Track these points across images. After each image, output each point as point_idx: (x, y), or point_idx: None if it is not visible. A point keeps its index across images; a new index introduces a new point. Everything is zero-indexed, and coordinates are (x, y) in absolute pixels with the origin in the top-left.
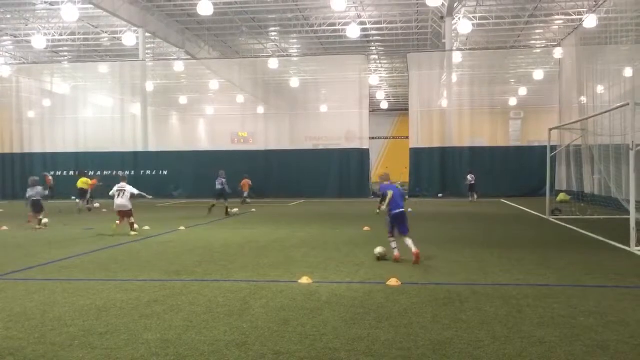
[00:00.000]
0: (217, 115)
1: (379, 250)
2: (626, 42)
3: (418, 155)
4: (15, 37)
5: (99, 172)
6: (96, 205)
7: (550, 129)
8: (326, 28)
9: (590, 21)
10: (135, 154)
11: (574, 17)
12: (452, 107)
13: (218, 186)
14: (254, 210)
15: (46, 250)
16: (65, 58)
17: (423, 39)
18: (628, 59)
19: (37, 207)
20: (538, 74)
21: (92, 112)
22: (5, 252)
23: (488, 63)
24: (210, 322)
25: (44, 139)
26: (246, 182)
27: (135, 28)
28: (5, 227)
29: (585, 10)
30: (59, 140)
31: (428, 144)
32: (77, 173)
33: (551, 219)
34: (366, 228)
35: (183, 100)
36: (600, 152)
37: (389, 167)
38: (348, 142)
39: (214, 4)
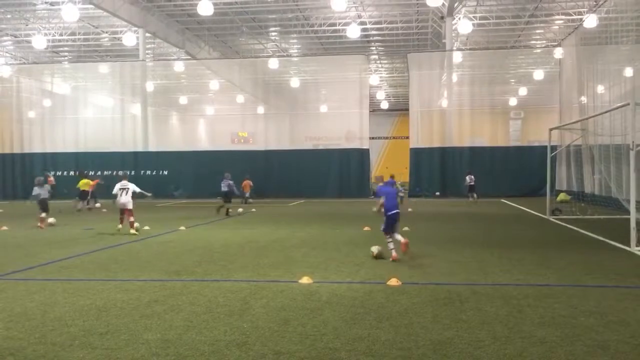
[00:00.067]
0: (217, 115)
1: (375, 248)
2: (626, 42)
3: (418, 155)
4: (15, 37)
5: (99, 172)
6: (97, 205)
7: (551, 129)
8: (326, 28)
9: (590, 21)
10: (136, 154)
11: (574, 17)
12: (452, 107)
13: (224, 188)
14: (254, 210)
15: (46, 250)
16: (66, 58)
17: (423, 39)
18: (628, 59)
19: (44, 206)
20: (538, 74)
21: (93, 112)
22: (6, 252)
23: (488, 63)
24: (210, 322)
25: (44, 139)
26: (247, 183)
27: (136, 28)
28: (5, 227)
29: (585, 10)
30: (59, 140)
31: (428, 144)
32: (77, 173)
33: (551, 219)
34: (366, 228)
35: (183, 100)
36: (600, 152)
37: (389, 167)
38: (348, 142)
39: (214, 4)
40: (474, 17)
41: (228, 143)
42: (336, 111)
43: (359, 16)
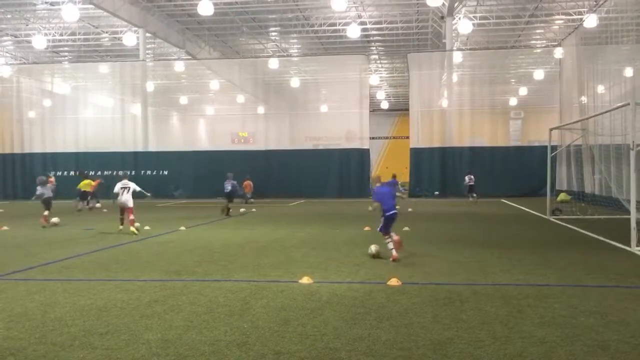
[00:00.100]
0: (217, 115)
1: (373, 247)
2: (627, 42)
3: (418, 155)
4: (15, 37)
5: (99, 172)
6: (97, 205)
7: (551, 129)
8: (326, 28)
9: (590, 21)
10: (136, 154)
11: (575, 17)
12: (453, 107)
13: (228, 188)
14: (254, 210)
15: (47, 251)
16: (66, 58)
17: (423, 38)
18: (628, 59)
19: (48, 205)
20: (538, 74)
21: (93, 112)
22: (6, 252)
23: (488, 63)
24: (210, 322)
25: (44, 139)
26: (248, 183)
27: (136, 28)
28: (5, 227)
29: (585, 10)
30: (59, 140)
31: (428, 143)
32: (78, 173)
33: (551, 219)
34: (366, 228)
35: (183, 100)
36: (600, 152)
37: (389, 167)
38: (348, 142)
39: (215, 4)
40: (474, 17)
41: (228, 143)
42: (336, 111)
43: (359, 16)
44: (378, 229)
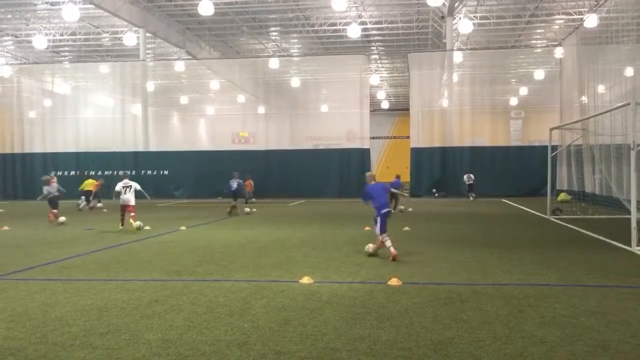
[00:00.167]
0: (217, 115)
1: (371, 246)
2: (627, 42)
3: (419, 155)
4: (16, 37)
5: (99, 172)
6: (99, 205)
7: (551, 129)
8: (327, 28)
9: (591, 21)
10: (136, 154)
11: (575, 16)
12: (453, 106)
13: (234, 186)
14: (254, 210)
15: (47, 250)
16: (66, 58)
17: (424, 38)
18: (629, 59)
19: (55, 204)
20: (539, 74)
21: (93, 112)
22: (6, 252)
23: (489, 63)
24: (211, 322)
25: (44, 139)
26: (249, 183)
27: (136, 28)
28: (6, 227)
29: (586, 9)
30: (59, 140)
31: (429, 143)
32: (78, 173)
33: (552, 218)
34: (367, 228)
35: (184, 100)
36: (601, 152)
37: (389, 167)
38: (349, 142)
39: (215, 4)
40: (474, 16)
41: (228, 143)
42: (337, 111)
43: (360, 16)
44: (377, 231)
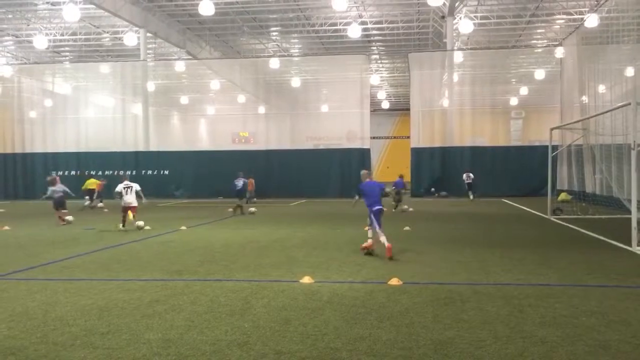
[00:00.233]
0: (218, 115)
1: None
2: (628, 42)
3: (419, 155)
4: (16, 37)
5: (100, 172)
6: (100, 205)
7: (552, 129)
8: (327, 28)
9: (591, 20)
10: (137, 154)
11: (576, 16)
12: (453, 106)
13: (239, 186)
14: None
15: (48, 250)
16: (67, 58)
17: (424, 38)
18: (629, 59)
19: (62, 204)
20: (539, 74)
21: (94, 112)
22: (7, 252)
23: (489, 63)
24: (211, 322)
25: (45, 139)
26: (251, 182)
27: (137, 28)
28: (6, 227)
29: (586, 9)
30: (60, 140)
31: (429, 143)
32: (81, 173)
33: (552, 218)
34: (367, 228)
35: (184, 100)
36: (601, 152)
37: (390, 167)
38: (349, 142)
39: (215, 4)
40: (475, 16)
41: (229, 143)
42: (337, 111)
43: (360, 16)
44: (377, 227)
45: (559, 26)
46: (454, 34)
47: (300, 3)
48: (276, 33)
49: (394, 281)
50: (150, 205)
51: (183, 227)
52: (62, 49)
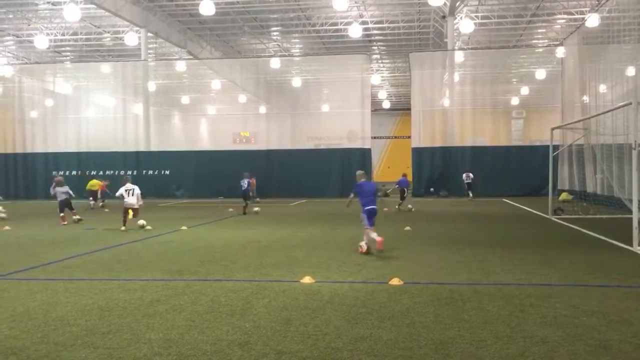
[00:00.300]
0: (219, 115)
1: (364, 244)
2: (629, 41)
3: (420, 155)
4: (17, 37)
5: (101, 172)
6: (101, 205)
7: (553, 129)
8: (328, 28)
9: (592, 20)
10: (137, 154)
11: (577, 16)
12: (454, 106)
13: (244, 186)
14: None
15: (48, 250)
16: (68, 58)
17: (425, 38)
18: (630, 58)
19: (68, 205)
20: (540, 73)
21: (94, 112)
22: (8, 252)
23: (490, 62)
24: (212, 322)
25: (46, 138)
26: (252, 182)
27: (138, 28)
28: (7, 227)
29: (587, 9)
30: (61, 140)
31: (430, 143)
32: (82, 173)
33: (553, 218)
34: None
35: (185, 100)
36: (602, 152)
37: (391, 167)
38: (350, 142)
39: (216, 4)
40: (475, 16)
41: (230, 143)
42: (338, 111)
43: (361, 16)
44: (366, 225)
45: (559, 26)
46: (455, 34)
47: (301, 3)
48: (277, 33)
49: (395, 281)
50: (151, 205)
51: (184, 227)
52: (63, 48)
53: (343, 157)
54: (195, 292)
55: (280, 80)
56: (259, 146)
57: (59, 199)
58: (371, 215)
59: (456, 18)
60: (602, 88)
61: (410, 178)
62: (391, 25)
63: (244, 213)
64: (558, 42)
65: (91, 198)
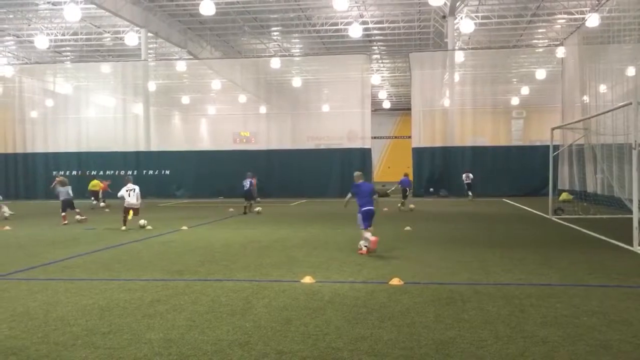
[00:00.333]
0: (219, 115)
1: (362, 244)
2: (629, 41)
3: (420, 155)
4: (18, 37)
5: (101, 172)
6: (101, 205)
7: (553, 129)
8: (328, 28)
9: (592, 20)
10: (138, 154)
11: (577, 16)
12: (455, 106)
13: (247, 186)
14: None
15: (48, 250)
16: (68, 58)
17: (425, 38)
18: (631, 58)
19: (71, 205)
20: (540, 73)
21: (95, 112)
22: (8, 252)
23: (490, 62)
24: (213, 322)
25: (46, 138)
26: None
27: (138, 28)
28: (7, 227)
29: (588, 9)
30: (61, 140)
31: (430, 143)
32: (82, 173)
33: (553, 218)
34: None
35: (185, 100)
36: (602, 152)
37: (391, 167)
38: (350, 142)
39: (216, 4)
40: (476, 16)
41: (230, 143)
42: (338, 111)
43: (361, 16)
44: (362, 226)
45: (560, 26)
46: (455, 34)
47: (301, 3)
48: (277, 33)
49: (395, 281)
50: (151, 205)
51: (184, 227)
52: (63, 49)
53: (343, 157)
54: (195, 292)
55: (280, 80)
56: (259, 146)
57: (60, 198)
58: (368, 216)
59: (456, 18)
60: (602, 88)
61: (410, 178)
62: (391, 25)
63: (245, 213)
64: (558, 42)
65: (93, 198)
